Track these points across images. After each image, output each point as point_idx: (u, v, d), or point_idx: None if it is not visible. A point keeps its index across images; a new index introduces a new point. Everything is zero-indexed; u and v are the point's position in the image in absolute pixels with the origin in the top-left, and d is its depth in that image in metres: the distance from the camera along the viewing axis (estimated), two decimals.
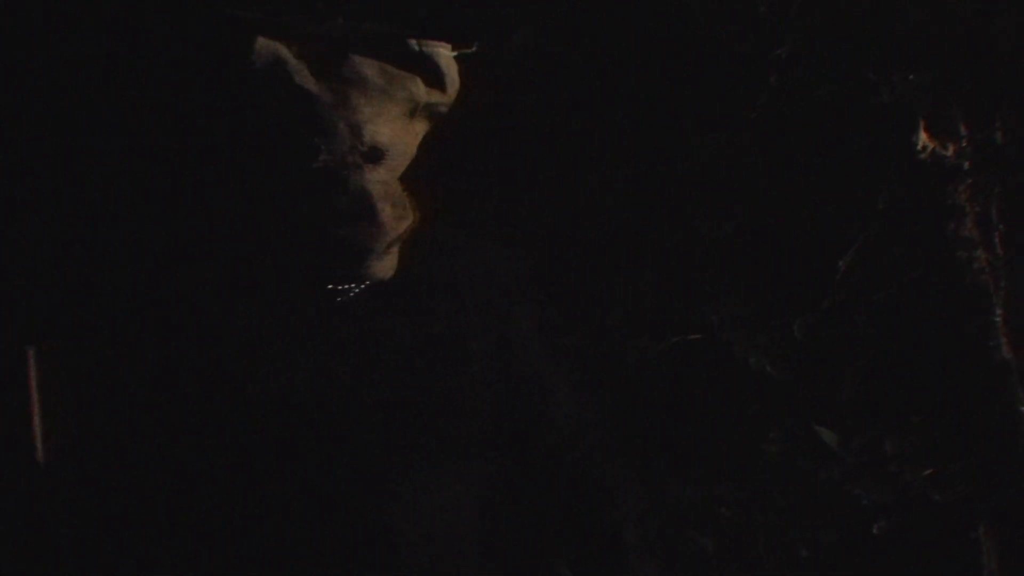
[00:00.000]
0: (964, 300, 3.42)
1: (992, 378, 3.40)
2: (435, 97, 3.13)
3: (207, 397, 3.17)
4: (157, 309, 3.20)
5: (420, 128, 3.17)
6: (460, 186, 3.51)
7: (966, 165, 3.41)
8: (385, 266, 3.12)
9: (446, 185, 3.37)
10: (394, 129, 3.07)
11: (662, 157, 3.56)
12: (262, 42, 2.94)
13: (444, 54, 3.16)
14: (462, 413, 3.24)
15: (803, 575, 3.47)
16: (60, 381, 3.16)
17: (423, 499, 3.15)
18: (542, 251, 3.58)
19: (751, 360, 3.47)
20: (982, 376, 3.41)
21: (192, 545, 3.17)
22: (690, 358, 3.55)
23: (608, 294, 3.60)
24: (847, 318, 3.49)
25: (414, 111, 3.10)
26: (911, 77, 3.35)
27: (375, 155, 3.05)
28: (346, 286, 3.12)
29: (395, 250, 3.13)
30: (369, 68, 3.03)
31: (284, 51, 2.96)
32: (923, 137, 3.39)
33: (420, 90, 3.11)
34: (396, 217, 3.07)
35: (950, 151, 3.41)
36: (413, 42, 3.09)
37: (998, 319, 3.41)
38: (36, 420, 3.10)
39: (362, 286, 3.13)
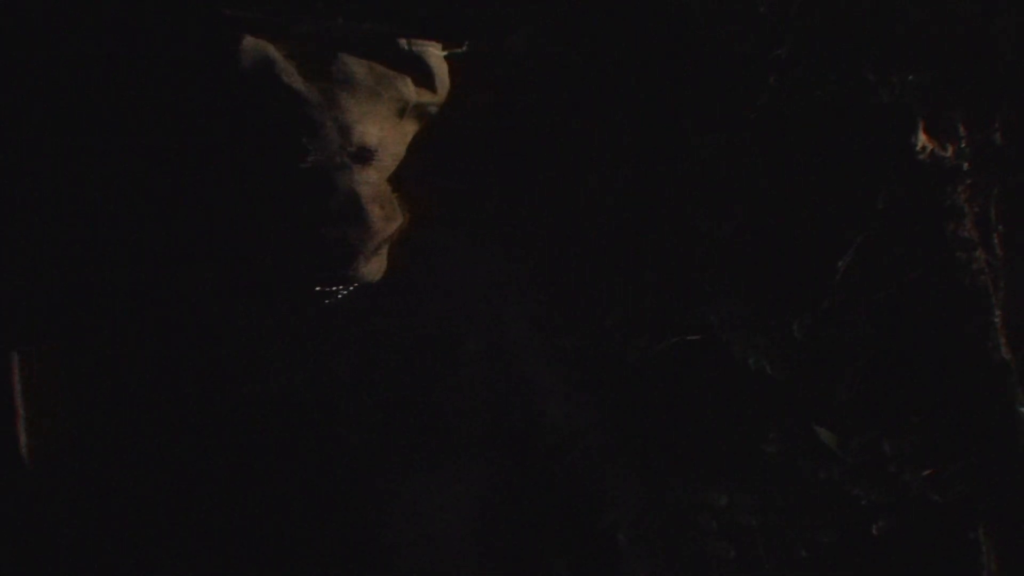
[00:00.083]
0: (963, 300, 3.43)
1: (991, 378, 3.40)
2: (425, 97, 3.14)
3: (206, 397, 3.18)
4: (157, 309, 3.20)
5: (410, 128, 3.17)
6: (456, 186, 3.51)
7: (965, 166, 3.41)
8: (373, 268, 3.13)
9: (439, 186, 3.37)
10: (383, 129, 3.08)
11: (662, 157, 3.56)
12: (250, 41, 2.94)
13: (434, 54, 3.17)
14: (458, 414, 3.24)
15: (803, 575, 3.47)
16: (50, 383, 3.16)
17: (422, 499, 3.16)
18: (541, 251, 3.58)
19: (751, 360, 3.47)
20: (981, 376, 3.41)
21: (191, 544, 3.18)
22: (690, 358, 3.55)
23: (608, 294, 3.59)
24: (847, 318, 3.49)
25: (404, 111, 3.10)
26: (911, 77, 3.35)
27: (364, 156, 3.05)
28: (334, 288, 3.12)
29: (384, 251, 3.13)
30: (358, 68, 3.04)
31: (272, 51, 2.96)
32: (922, 138, 3.39)
33: (410, 90, 3.12)
34: (385, 218, 3.08)
35: (949, 152, 3.41)
36: (403, 41, 3.09)
37: (997, 320, 3.41)
38: (20, 423, 3.10)
39: (350, 288, 3.13)
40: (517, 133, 3.59)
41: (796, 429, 3.49)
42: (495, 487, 3.28)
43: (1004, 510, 3.39)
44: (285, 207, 3.02)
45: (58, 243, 3.32)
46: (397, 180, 3.14)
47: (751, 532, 3.47)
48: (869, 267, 3.47)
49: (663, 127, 3.56)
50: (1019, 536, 3.38)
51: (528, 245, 3.57)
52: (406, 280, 3.27)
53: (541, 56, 3.53)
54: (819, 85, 3.43)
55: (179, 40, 3.13)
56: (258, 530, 3.17)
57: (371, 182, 3.07)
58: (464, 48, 3.24)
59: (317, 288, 3.13)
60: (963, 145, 3.41)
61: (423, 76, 3.12)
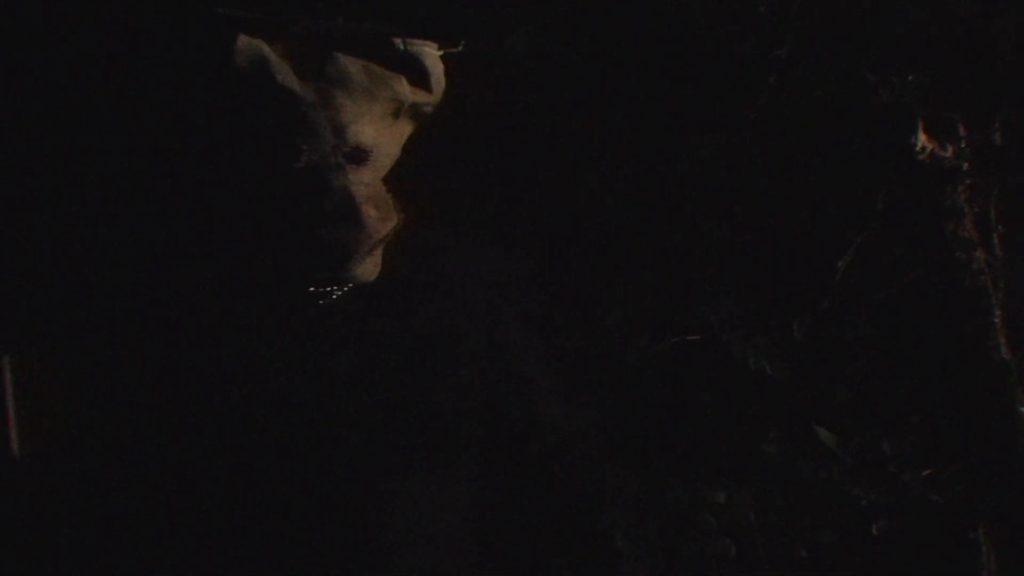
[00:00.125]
0: (963, 300, 3.42)
1: (991, 378, 3.40)
2: (420, 97, 3.12)
3: (206, 397, 3.18)
4: (155, 309, 3.21)
5: (405, 128, 3.16)
6: (455, 186, 3.51)
7: (965, 166, 3.41)
8: (368, 268, 3.11)
9: (438, 186, 3.37)
10: (378, 129, 3.06)
11: (662, 157, 3.56)
12: (244, 41, 2.93)
13: (430, 53, 3.16)
14: (458, 414, 3.24)
15: (803, 575, 3.47)
16: (49, 383, 3.16)
17: (421, 499, 3.16)
18: (541, 251, 3.58)
19: (750, 360, 3.47)
20: (981, 376, 3.41)
21: (191, 544, 3.18)
22: (690, 358, 3.55)
23: (608, 294, 3.59)
24: (847, 318, 3.49)
25: (399, 111, 3.09)
26: (911, 77, 3.35)
27: (359, 156, 3.04)
28: (328, 288, 3.12)
29: (378, 252, 3.12)
30: (353, 67, 3.02)
31: (267, 50, 2.94)
32: (922, 138, 3.39)
33: (405, 90, 3.10)
34: (380, 219, 3.06)
35: (949, 152, 3.41)
36: (398, 41, 3.08)
37: (997, 320, 3.41)
38: (11, 424, 3.10)
39: (344, 288, 3.13)
40: (516, 133, 3.58)
41: (796, 429, 3.49)
42: (494, 487, 3.28)
43: (1004, 510, 3.39)
44: (280, 207, 3.02)
45: (50, 243, 3.31)
46: (395, 180, 3.13)
47: (751, 531, 3.47)
48: (869, 267, 3.47)
49: (663, 127, 3.55)
50: (1019, 536, 3.38)
51: (527, 245, 3.56)
52: (405, 280, 3.26)
53: (541, 56, 3.52)
54: (819, 85, 3.42)
55: (174, 39, 3.13)
56: (258, 530, 3.17)
57: (366, 182, 3.05)
58: (460, 48, 3.23)
59: (312, 288, 3.12)
60: (963, 145, 3.41)
61: (419, 76, 3.11)
